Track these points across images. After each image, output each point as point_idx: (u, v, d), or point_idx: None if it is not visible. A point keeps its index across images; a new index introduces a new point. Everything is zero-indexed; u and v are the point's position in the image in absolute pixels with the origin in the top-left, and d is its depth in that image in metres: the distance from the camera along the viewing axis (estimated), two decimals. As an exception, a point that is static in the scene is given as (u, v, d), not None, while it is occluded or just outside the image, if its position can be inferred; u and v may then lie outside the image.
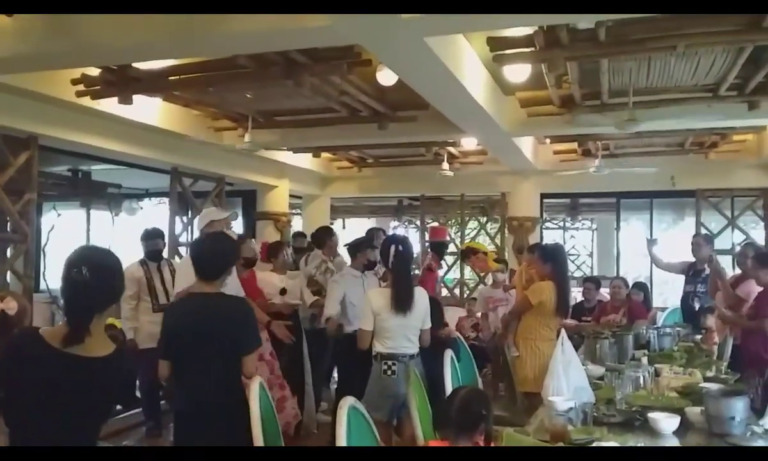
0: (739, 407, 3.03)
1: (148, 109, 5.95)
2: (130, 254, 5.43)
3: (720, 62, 4.68)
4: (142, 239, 5.51)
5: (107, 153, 6.54)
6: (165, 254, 5.77)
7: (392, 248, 3.87)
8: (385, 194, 10.71)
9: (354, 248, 5.49)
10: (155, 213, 11.46)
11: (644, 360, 4.48)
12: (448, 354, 3.92)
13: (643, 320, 6.57)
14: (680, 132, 7.00)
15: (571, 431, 2.92)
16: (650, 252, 7.05)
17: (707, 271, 6.42)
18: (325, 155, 9.04)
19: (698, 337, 5.93)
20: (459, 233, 9.86)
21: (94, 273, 2.20)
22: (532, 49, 4.37)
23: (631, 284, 7.44)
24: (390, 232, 11.35)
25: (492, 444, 2.60)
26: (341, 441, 2.38)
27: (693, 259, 6.63)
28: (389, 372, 3.78)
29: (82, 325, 2.18)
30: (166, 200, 11.22)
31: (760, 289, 5.36)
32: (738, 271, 6.00)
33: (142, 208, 11.65)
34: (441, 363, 3.93)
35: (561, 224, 15.42)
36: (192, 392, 2.94)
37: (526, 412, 4.01)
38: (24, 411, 2.19)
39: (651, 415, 3.13)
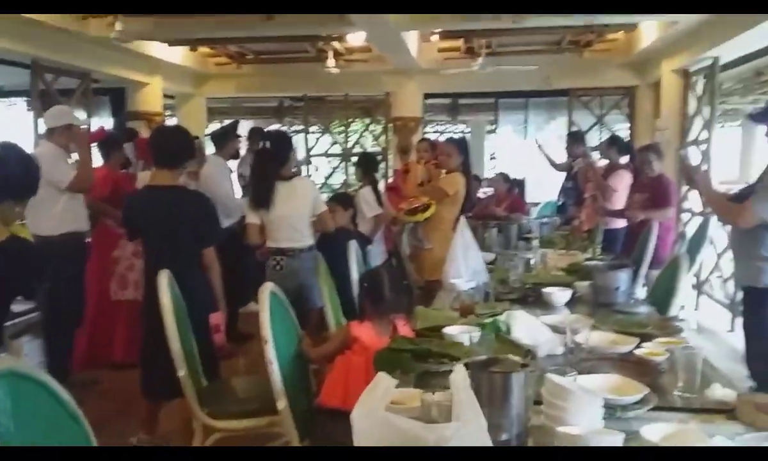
0: (623, 278, 3.33)
1: (1, -9, 5.23)
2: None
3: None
4: None
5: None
6: None
7: (260, 143, 3.93)
8: (266, 93, 10.31)
9: (221, 137, 5.32)
10: (6, 116, 10.42)
11: (535, 242, 4.77)
12: (353, 245, 3.95)
13: (521, 214, 7.04)
14: (559, 30, 7.23)
15: (476, 305, 3.10)
16: (545, 155, 7.41)
17: (575, 168, 6.91)
18: (202, 49, 8.49)
19: (568, 226, 6.43)
20: (343, 135, 9.78)
21: None
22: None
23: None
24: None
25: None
26: (265, 324, 2.35)
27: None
28: (278, 268, 3.77)
29: None
30: (17, 100, 10.25)
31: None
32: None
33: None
34: (338, 255, 3.97)
35: (438, 129, 15.80)
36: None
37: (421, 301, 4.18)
38: None
39: (545, 290, 3.36)
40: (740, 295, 5.73)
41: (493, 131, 12.00)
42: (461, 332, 2.46)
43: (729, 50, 6.02)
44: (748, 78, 8.02)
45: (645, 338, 2.48)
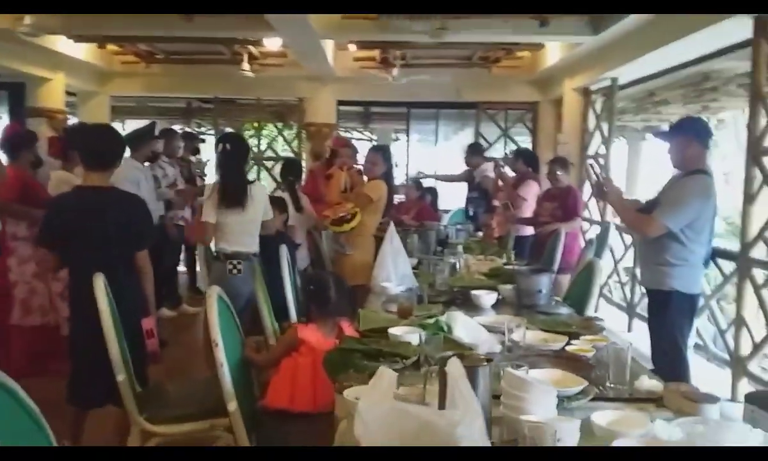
0: (545, 281, 3.54)
1: None
2: None
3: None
4: None
5: None
6: None
7: (220, 146, 3.88)
8: (175, 94, 10.02)
9: (136, 139, 5.19)
10: None
11: (460, 248, 4.96)
12: (284, 249, 3.97)
13: (433, 221, 7.24)
14: (470, 45, 7.54)
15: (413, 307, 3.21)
16: (438, 178, 7.72)
17: (476, 179, 7.27)
18: (110, 46, 8.17)
19: (479, 234, 6.72)
20: (255, 138, 9.69)
21: None
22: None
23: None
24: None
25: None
26: (214, 327, 2.35)
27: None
28: (234, 271, 3.76)
29: None
30: None
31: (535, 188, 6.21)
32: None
33: None
34: (273, 258, 3.99)
35: (347, 135, 15.93)
36: (89, 289, 2.73)
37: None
38: None
39: (473, 293, 3.52)
40: (637, 298, 6.24)
41: (396, 140, 12.27)
42: (408, 333, 2.56)
43: (626, 72, 6.51)
44: (641, 98, 8.66)
45: (572, 336, 2.69)
